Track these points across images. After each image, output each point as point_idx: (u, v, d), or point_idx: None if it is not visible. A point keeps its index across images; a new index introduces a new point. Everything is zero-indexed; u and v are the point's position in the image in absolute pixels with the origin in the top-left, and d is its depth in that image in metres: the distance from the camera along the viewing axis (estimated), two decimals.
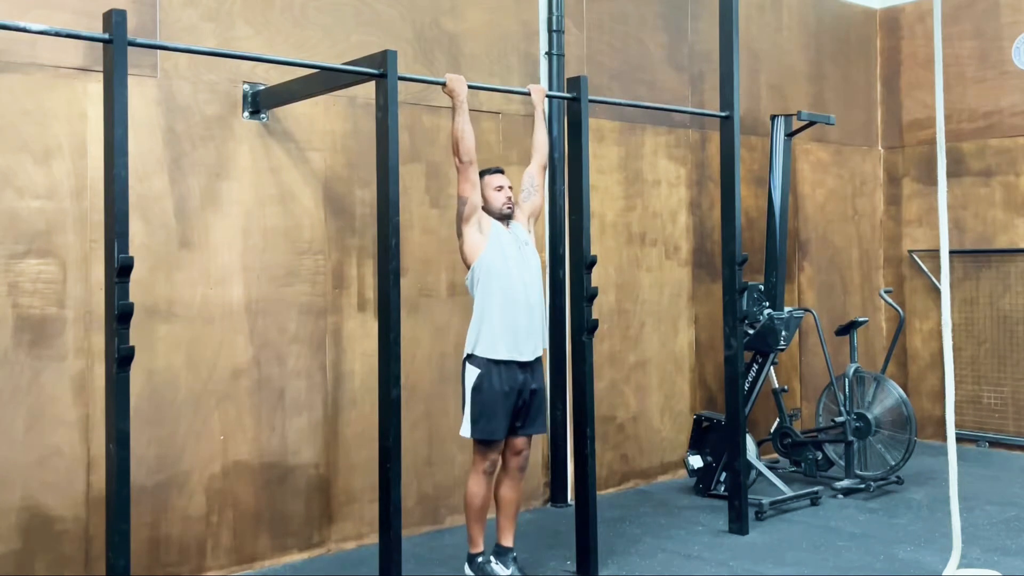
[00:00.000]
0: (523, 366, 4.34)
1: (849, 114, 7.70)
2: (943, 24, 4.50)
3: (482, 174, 4.45)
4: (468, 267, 4.36)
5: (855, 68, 7.79)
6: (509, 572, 4.39)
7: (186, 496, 4.51)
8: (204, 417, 4.56)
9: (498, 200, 4.42)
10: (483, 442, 4.32)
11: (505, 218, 4.43)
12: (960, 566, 4.26)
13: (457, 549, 4.99)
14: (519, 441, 4.42)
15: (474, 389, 4.27)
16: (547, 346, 4.52)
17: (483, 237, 4.32)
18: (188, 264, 4.52)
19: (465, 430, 4.31)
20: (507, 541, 4.46)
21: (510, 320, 4.28)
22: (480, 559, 4.44)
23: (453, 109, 4.26)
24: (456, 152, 4.26)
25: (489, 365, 4.26)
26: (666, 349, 6.46)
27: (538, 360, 4.44)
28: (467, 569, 4.47)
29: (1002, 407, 7.22)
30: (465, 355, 4.35)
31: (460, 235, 4.35)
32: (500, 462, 4.42)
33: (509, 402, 4.29)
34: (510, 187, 4.49)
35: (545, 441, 5.81)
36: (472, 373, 4.28)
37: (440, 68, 5.30)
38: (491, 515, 4.62)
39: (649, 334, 6.36)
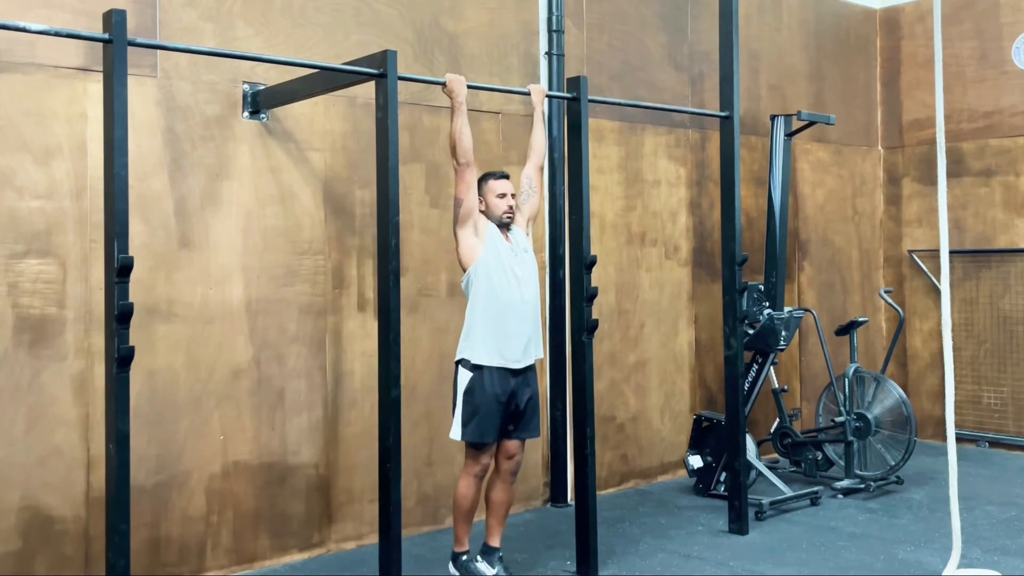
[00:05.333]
0: (516, 372, 4.31)
1: (849, 114, 7.70)
2: (943, 24, 4.50)
3: (487, 177, 4.43)
4: (464, 270, 4.34)
5: (855, 68, 7.79)
6: (495, 572, 4.38)
7: (186, 496, 4.51)
8: (204, 417, 4.56)
9: (500, 208, 4.37)
10: (474, 445, 4.30)
11: (504, 225, 4.40)
12: (960, 566, 4.25)
13: None
14: (512, 445, 4.40)
15: (466, 392, 4.25)
16: (543, 354, 4.49)
17: (479, 241, 4.29)
18: (188, 264, 4.52)
19: (456, 432, 4.28)
20: (494, 542, 4.45)
21: (504, 327, 4.25)
22: (464, 558, 4.42)
23: (452, 110, 4.24)
24: (453, 153, 4.24)
25: (482, 370, 4.24)
26: (666, 349, 6.46)
27: (532, 368, 4.41)
28: (451, 568, 4.46)
29: (1002, 407, 7.22)
30: (457, 359, 4.33)
31: (456, 237, 4.32)
32: (492, 465, 4.40)
33: (501, 406, 4.27)
34: (513, 195, 4.44)
35: (545, 441, 5.81)
36: (464, 376, 4.26)
37: (440, 68, 5.30)
38: (479, 518, 4.63)
39: (649, 334, 6.36)
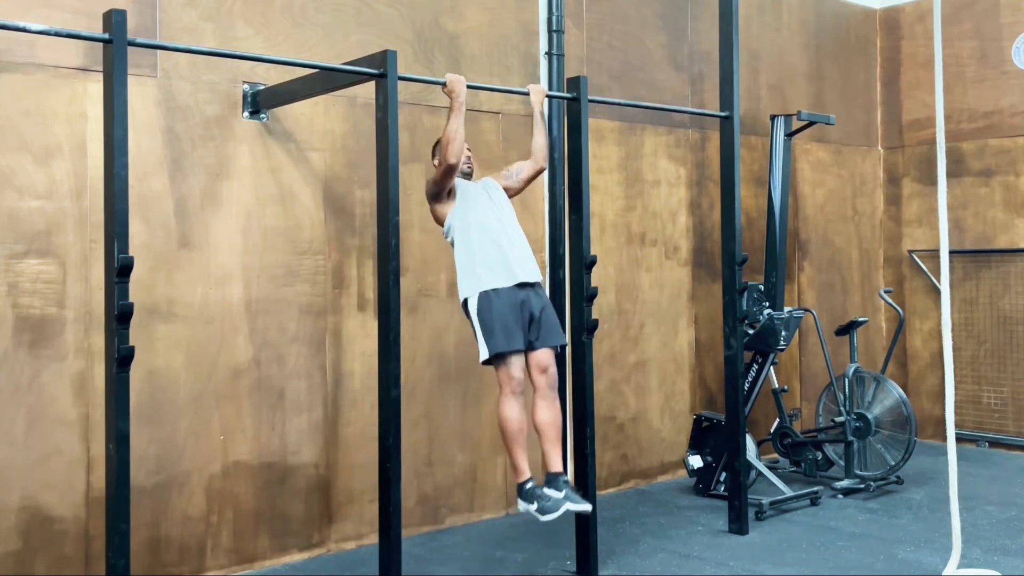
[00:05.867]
0: (522, 286, 4.27)
1: (849, 114, 7.70)
2: (943, 24, 4.50)
3: (439, 141, 4.46)
4: (442, 224, 4.38)
5: (855, 68, 7.79)
6: (563, 494, 4.14)
7: (186, 496, 4.51)
8: (204, 417, 4.56)
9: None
10: (502, 359, 4.16)
11: (466, 176, 4.46)
12: (960, 566, 4.25)
13: (457, 549, 5.00)
14: (541, 355, 4.27)
15: (479, 313, 4.20)
16: (542, 277, 4.42)
17: (451, 199, 4.35)
18: (188, 264, 4.52)
19: (483, 352, 4.18)
20: (556, 467, 4.22)
21: (492, 250, 4.26)
22: (529, 485, 4.18)
23: (450, 109, 4.23)
24: (445, 151, 4.20)
25: (487, 292, 4.21)
26: (666, 349, 6.46)
27: (538, 284, 4.37)
28: (519, 503, 4.22)
29: (1002, 407, 7.22)
30: (463, 300, 4.29)
31: (431, 204, 4.38)
32: (528, 385, 4.24)
33: (516, 313, 4.20)
34: (468, 148, 4.51)
35: None
36: (473, 303, 4.22)
37: (440, 68, 5.30)
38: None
39: (649, 334, 6.36)
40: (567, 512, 4.13)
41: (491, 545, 5.07)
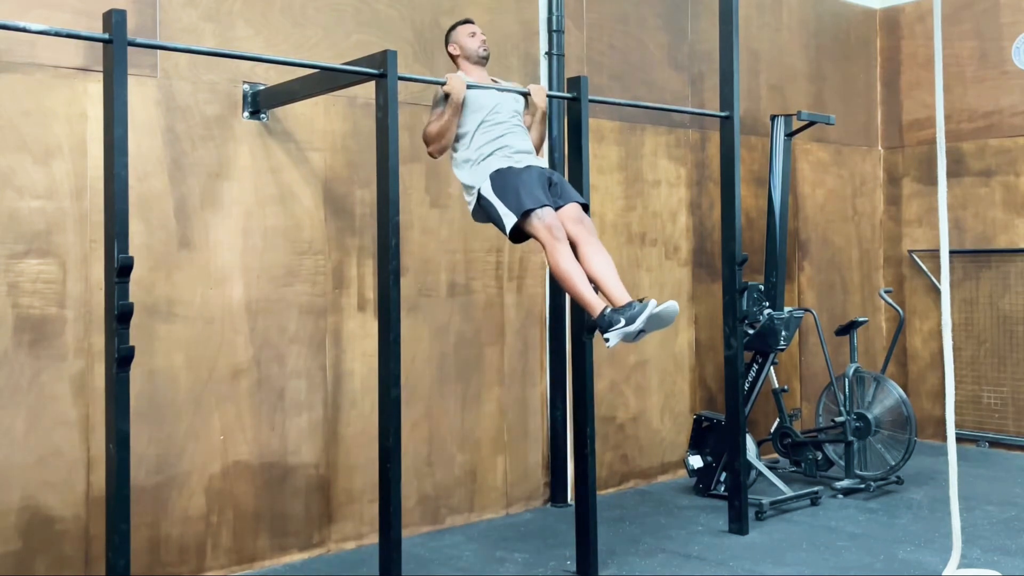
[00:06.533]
0: (531, 167, 4.28)
1: (849, 114, 7.70)
2: (943, 24, 4.50)
3: (454, 27, 4.59)
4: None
5: (855, 68, 7.79)
6: (641, 304, 3.87)
7: (186, 496, 4.51)
8: (204, 417, 4.56)
9: (473, 44, 4.50)
10: (532, 214, 4.03)
11: (483, 60, 4.51)
12: (960, 566, 4.25)
13: (457, 549, 5.00)
14: (570, 209, 4.15)
15: (494, 188, 4.15)
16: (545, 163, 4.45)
17: (460, 115, 4.33)
18: (188, 264, 4.52)
19: (509, 219, 4.07)
20: (624, 299, 3.97)
21: (496, 141, 4.27)
22: (607, 311, 3.93)
23: (448, 107, 4.26)
24: (429, 144, 4.33)
25: (500, 170, 4.21)
26: (666, 349, 6.46)
27: (545, 167, 4.38)
28: (607, 335, 3.90)
29: (1002, 407, 7.22)
30: (475, 196, 4.25)
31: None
32: (565, 233, 4.07)
33: (535, 179, 4.15)
34: (483, 33, 4.58)
35: (545, 441, 5.81)
36: (487, 186, 4.18)
37: (440, 68, 5.30)
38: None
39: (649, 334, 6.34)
40: (656, 311, 3.83)
41: (491, 545, 5.07)
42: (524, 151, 4.36)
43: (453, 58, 4.59)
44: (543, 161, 4.40)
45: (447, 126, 4.28)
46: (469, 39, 4.52)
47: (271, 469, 4.77)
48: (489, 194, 4.20)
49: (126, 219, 3.34)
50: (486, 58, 4.54)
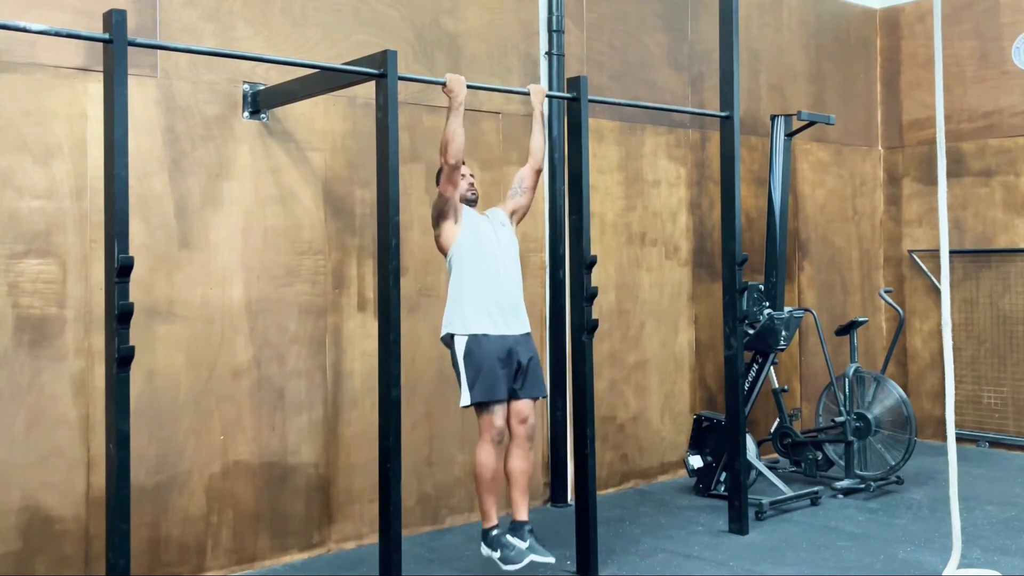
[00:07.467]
0: (510, 336, 4.32)
1: (849, 114, 7.70)
2: (943, 24, 4.50)
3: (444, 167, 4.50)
4: (445, 253, 4.41)
5: (855, 68, 7.79)
6: (527, 544, 4.22)
7: (186, 496, 4.51)
8: (204, 417, 4.56)
9: (462, 187, 4.44)
10: (485, 407, 4.24)
11: (471, 203, 4.47)
12: (960, 566, 4.26)
13: (457, 549, 4.99)
14: (522, 406, 4.35)
15: (466, 355, 4.25)
16: (530, 328, 4.47)
17: (458, 226, 4.36)
18: (188, 264, 4.52)
19: (465, 398, 4.25)
20: (522, 515, 4.32)
21: (486, 295, 4.29)
22: (495, 532, 4.28)
23: (449, 109, 4.24)
24: (445, 152, 4.25)
25: (476, 335, 4.26)
26: (666, 349, 6.46)
27: (526, 335, 4.41)
28: (483, 548, 4.31)
29: (1002, 407, 7.22)
30: (445, 333, 4.34)
31: (437, 227, 4.40)
32: (506, 432, 4.33)
33: (503, 362, 4.26)
34: (472, 175, 4.55)
35: (545, 441, 5.81)
36: (460, 342, 4.26)
37: (440, 68, 5.30)
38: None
39: (649, 334, 6.36)
40: (531, 563, 4.19)
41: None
42: (514, 306, 4.36)
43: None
44: (525, 323, 4.41)
45: (454, 130, 4.21)
46: (460, 179, 4.41)
47: (271, 469, 4.77)
48: (460, 356, 4.27)
49: (126, 219, 3.34)
50: (474, 201, 4.51)
